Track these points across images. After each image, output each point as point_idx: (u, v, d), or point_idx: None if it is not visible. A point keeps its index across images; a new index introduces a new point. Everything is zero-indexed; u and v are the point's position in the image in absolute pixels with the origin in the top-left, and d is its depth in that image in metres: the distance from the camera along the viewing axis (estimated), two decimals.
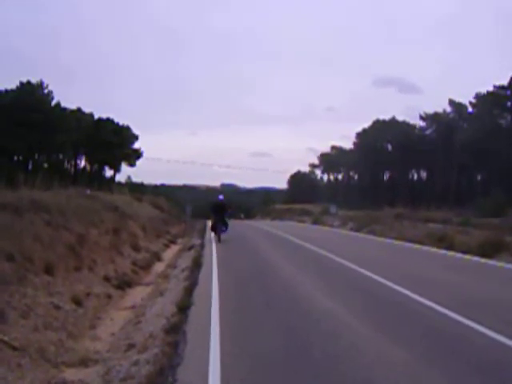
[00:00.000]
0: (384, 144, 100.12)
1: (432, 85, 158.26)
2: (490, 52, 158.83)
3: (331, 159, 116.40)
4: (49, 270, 11.72)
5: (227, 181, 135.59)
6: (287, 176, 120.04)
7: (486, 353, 6.80)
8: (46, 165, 73.70)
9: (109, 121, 76.99)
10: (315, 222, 45.58)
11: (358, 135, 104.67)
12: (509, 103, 73.13)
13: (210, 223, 29.32)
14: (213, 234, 25.28)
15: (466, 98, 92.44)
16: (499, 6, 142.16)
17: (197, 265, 16.12)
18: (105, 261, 16.15)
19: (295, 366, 6.30)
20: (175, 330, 8.15)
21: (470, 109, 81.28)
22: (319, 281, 12.87)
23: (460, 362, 6.44)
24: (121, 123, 79.14)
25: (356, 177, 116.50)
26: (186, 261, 18.44)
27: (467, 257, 17.95)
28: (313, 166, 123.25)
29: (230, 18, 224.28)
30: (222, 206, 25.09)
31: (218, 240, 23.78)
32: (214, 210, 25.09)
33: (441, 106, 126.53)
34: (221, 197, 25.90)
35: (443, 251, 19.64)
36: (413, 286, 11.42)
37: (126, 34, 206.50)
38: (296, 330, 7.91)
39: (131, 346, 8.28)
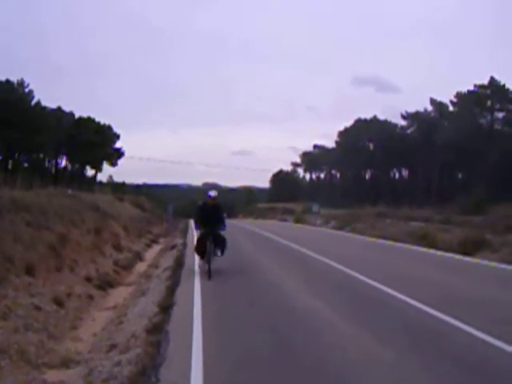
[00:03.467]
0: (366, 143, 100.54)
1: (410, 84, 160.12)
2: (469, 52, 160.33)
3: (313, 158, 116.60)
4: (29, 271, 11.63)
5: (209, 180, 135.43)
6: (270, 175, 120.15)
7: (469, 350, 6.85)
8: (26, 164, 73.01)
9: (90, 120, 76.50)
10: (298, 221, 45.68)
11: (340, 134, 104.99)
12: (489, 102, 73.82)
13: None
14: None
15: (445, 97, 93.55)
16: (480, 7, 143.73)
17: (179, 264, 16.07)
18: (86, 261, 16.06)
19: (278, 364, 6.30)
20: (157, 330, 8.12)
21: (450, 108, 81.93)
22: (302, 278, 12.90)
23: (442, 358, 6.48)
24: (102, 122, 78.82)
25: (338, 175, 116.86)
26: (167, 260, 18.39)
27: (449, 255, 18.08)
28: (295, 164, 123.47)
29: (215, 18, 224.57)
30: (214, 209, 14.34)
31: (208, 273, 13.27)
32: (201, 214, 14.41)
33: (418, 105, 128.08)
34: (212, 193, 14.67)
35: (425, 249, 19.77)
36: (394, 284, 11.48)
37: (109, 33, 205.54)
38: (280, 329, 7.91)
39: (113, 347, 8.23)
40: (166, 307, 9.70)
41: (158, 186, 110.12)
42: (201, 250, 13.97)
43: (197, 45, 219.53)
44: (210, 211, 14.07)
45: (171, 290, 11.65)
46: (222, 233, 14.33)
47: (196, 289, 11.57)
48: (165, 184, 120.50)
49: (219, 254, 14.15)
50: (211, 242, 13.75)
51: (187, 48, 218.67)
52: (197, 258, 17.64)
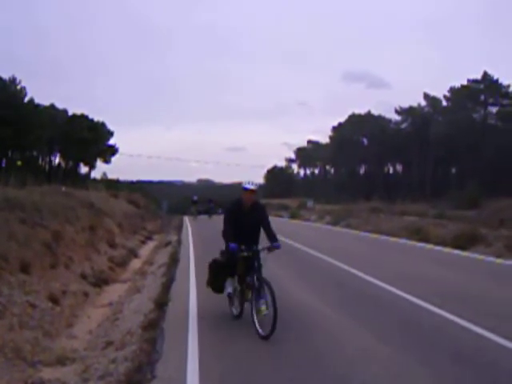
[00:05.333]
0: (360, 138, 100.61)
1: (400, 80, 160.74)
2: (462, 47, 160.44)
3: (307, 153, 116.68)
4: (24, 269, 11.59)
5: (203, 176, 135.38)
6: (264, 171, 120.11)
7: (464, 344, 6.89)
8: (19, 162, 72.70)
9: (83, 117, 76.30)
10: (293, 217, 45.72)
11: (334, 129, 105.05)
12: (482, 97, 73.97)
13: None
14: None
15: (438, 92, 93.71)
16: (473, 1, 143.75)
17: (174, 261, 16.06)
18: (81, 258, 16.02)
19: (275, 362, 6.33)
20: (153, 327, 8.13)
21: (444, 103, 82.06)
22: (296, 273, 12.94)
23: (437, 352, 6.52)
24: (96, 119, 78.66)
25: (332, 171, 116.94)
26: (162, 257, 18.38)
27: (443, 249, 18.14)
28: (289, 160, 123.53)
29: (208, 14, 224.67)
30: (255, 213, 8.32)
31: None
32: (233, 222, 8.21)
33: (410, 100, 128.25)
34: (250, 185, 8.25)
35: (419, 244, 19.83)
36: (390, 279, 11.54)
37: (104, 30, 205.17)
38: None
39: (109, 344, 8.24)
40: (161, 304, 9.70)
41: (152, 183, 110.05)
42: (219, 284, 8.54)
43: (190, 41, 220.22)
44: (247, 217, 8.15)
45: (166, 286, 11.65)
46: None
47: (191, 285, 11.57)
48: (159, 181, 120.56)
49: (265, 309, 7.33)
50: (252, 281, 7.72)
51: (180, 45, 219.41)
52: (192, 252, 17.74)
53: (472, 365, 6.07)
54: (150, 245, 26.08)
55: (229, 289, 8.40)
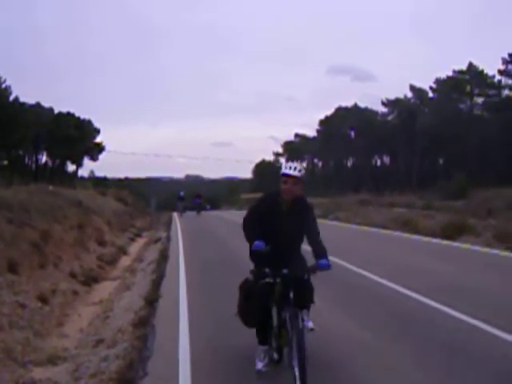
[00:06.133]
0: (347, 131, 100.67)
1: (386, 72, 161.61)
2: (446, 38, 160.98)
3: (295, 147, 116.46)
4: (13, 269, 11.52)
5: (192, 172, 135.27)
6: (252, 165, 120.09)
7: (456, 335, 6.93)
8: (5, 161, 72.26)
9: (69, 115, 75.90)
10: None
11: (321, 122, 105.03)
12: (468, 87, 74.29)
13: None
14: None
15: (424, 83, 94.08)
16: None
17: (163, 257, 16.04)
18: (70, 257, 15.95)
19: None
20: (144, 324, 8.11)
21: (430, 94, 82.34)
22: None
23: (429, 342, 6.56)
24: (82, 117, 78.29)
25: (320, 164, 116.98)
26: (152, 254, 18.34)
27: (431, 240, 18.23)
28: (277, 154, 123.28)
29: (191, 13, 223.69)
30: (296, 215, 5.60)
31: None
32: (263, 225, 5.57)
33: (396, 92, 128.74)
34: (292, 170, 5.41)
35: (408, 235, 19.92)
36: (379, 271, 11.59)
37: (91, 28, 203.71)
38: None
39: (100, 342, 8.21)
40: (151, 301, 9.68)
41: (141, 180, 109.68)
42: (257, 319, 5.68)
43: (177, 38, 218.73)
44: (285, 220, 5.59)
45: (156, 283, 11.61)
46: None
47: (181, 281, 11.56)
48: (147, 177, 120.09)
49: (307, 323, 5.83)
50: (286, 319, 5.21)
51: (166, 42, 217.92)
52: (182, 248, 17.75)
53: (465, 355, 6.10)
54: (140, 242, 26.00)
55: (259, 364, 5.62)
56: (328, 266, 5.22)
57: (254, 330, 5.75)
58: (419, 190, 53.15)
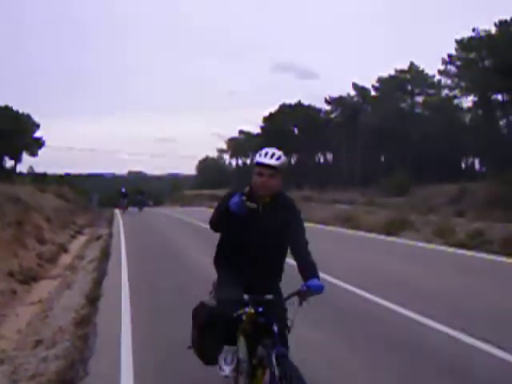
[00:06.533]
0: (291, 128, 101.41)
1: (329, 71, 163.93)
2: (387, 38, 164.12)
3: (239, 144, 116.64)
4: None
5: (135, 168, 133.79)
6: (195, 162, 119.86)
7: (399, 331, 7.08)
8: None
9: (7, 108, 73.74)
10: None
11: (265, 119, 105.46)
12: (409, 86, 76.02)
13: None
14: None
15: (367, 82, 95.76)
16: None
17: (105, 254, 15.84)
18: (8, 255, 15.48)
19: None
20: (85, 323, 7.95)
21: (373, 92, 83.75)
22: None
23: (371, 339, 6.66)
24: (20, 111, 76.23)
25: None
26: (93, 251, 18.06)
27: (373, 235, 18.58)
28: (221, 151, 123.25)
29: (130, 2, 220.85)
30: (275, 215, 4.21)
31: None
32: (233, 233, 4.26)
33: (340, 90, 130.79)
34: (267, 158, 4.09)
35: (351, 231, 20.23)
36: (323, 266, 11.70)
37: (21, 20, 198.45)
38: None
39: (39, 342, 7.99)
40: (93, 299, 9.52)
41: (82, 176, 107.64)
42: (210, 350, 4.33)
43: (112, 33, 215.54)
44: (260, 222, 4.16)
45: (98, 281, 11.45)
46: None
47: (124, 278, 11.43)
48: (89, 173, 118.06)
49: None
50: (268, 359, 3.69)
51: (105, 37, 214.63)
52: (124, 245, 17.53)
53: (403, 348, 6.24)
54: (81, 239, 25.50)
55: (225, 368, 4.18)
56: (321, 289, 3.90)
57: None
58: (362, 187, 54.15)
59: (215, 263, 4.50)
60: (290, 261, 4.30)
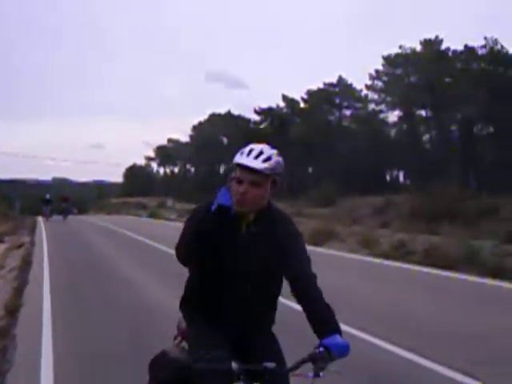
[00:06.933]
0: (220, 137, 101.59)
1: (258, 82, 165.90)
2: (317, 52, 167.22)
3: (168, 152, 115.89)
4: None
5: (59, 174, 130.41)
6: (123, 169, 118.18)
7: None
8: None
9: None
10: (151, 216, 45.44)
11: (194, 128, 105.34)
12: (337, 100, 77.76)
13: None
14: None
15: (296, 93, 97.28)
16: (327, 11, 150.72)
17: (27, 263, 15.34)
18: None
19: (134, 360, 6.16)
20: (3, 335, 7.62)
21: (302, 104, 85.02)
22: (148, 268, 12.80)
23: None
24: None
25: (192, 170, 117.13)
26: (14, 260, 17.44)
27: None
28: (149, 158, 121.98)
29: (67, 8, 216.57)
30: (260, 260, 2.85)
31: None
32: (204, 259, 2.87)
33: (269, 101, 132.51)
34: (249, 160, 2.69)
35: None
36: None
37: None
38: (135, 325, 7.75)
39: None
40: (12, 310, 9.14)
41: (3, 182, 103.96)
42: None
43: (46, 34, 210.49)
44: (242, 253, 2.83)
45: (19, 290, 11.04)
46: None
47: (45, 288, 11.10)
48: (10, 179, 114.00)
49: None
50: None
51: (40, 37, 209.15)
52: (46, 254, 17.04)
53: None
54: (1, 247, 24.59)
55: None
56: (347, 350, 2.59)
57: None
58: (290, 198, 54.72)
59: (183, 310, 3.11)
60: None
